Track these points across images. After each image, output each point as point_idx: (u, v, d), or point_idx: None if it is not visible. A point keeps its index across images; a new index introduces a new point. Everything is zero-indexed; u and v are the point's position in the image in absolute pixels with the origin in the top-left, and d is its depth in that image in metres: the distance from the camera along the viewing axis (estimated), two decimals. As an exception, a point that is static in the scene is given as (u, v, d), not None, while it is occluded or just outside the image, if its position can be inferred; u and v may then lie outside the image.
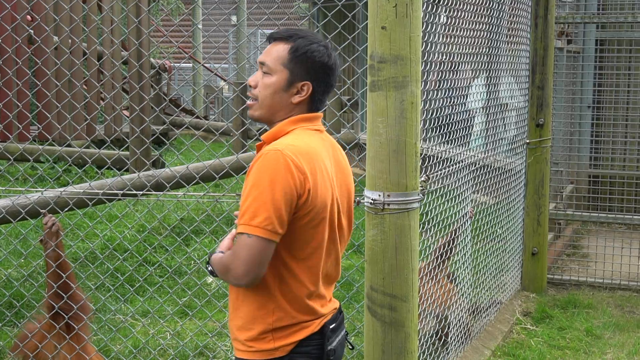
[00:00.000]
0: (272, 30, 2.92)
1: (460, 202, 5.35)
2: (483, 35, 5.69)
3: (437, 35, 4.61)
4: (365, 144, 3.28)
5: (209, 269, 2.82)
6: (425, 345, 4.75)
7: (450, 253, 5.36)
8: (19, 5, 7.38)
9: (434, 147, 4.74)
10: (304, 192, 2.64)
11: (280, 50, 2.80)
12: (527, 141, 6.80)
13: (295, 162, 2.63)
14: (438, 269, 5.26)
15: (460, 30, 5.13)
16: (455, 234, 5.37)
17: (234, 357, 2.87)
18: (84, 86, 9.04)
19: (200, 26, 17.32)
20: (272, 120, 2.84)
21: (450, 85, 5.04)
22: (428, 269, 5.09)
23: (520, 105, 6.69)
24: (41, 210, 4.58)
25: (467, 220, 5.50)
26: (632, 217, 7.78)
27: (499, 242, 6.32)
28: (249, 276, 2.63)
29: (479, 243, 5.90)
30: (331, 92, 2.92)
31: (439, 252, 5.29)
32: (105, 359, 4.50)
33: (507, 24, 6.25)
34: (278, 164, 2.61)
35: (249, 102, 2.88)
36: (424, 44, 4.16)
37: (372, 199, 3.19)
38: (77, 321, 4.27)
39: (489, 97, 5.97)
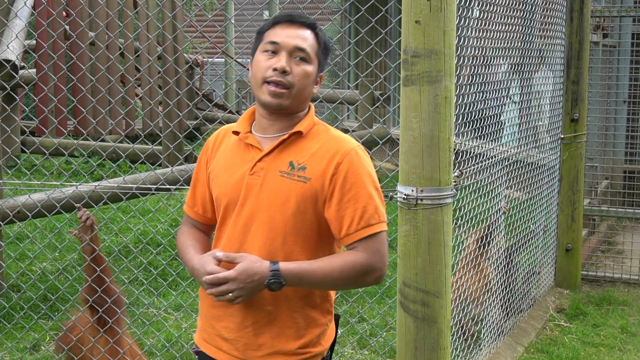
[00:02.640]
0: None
1: (493, 198, 5.32)
2: (516, 29, 5.64)
3: (470, 29, 4.58)
4: (398, 139, 3.27)
5: (283, 283, 2.53)
6: (458, 342, 4.72)
7: (486, 248, 5.33)
8: (55, 0, 7.44)
9: (467, 142, 4.71)
10: None
11: (311, 38, 2.66)
12: (562, 136, 6.74)
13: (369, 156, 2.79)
14: (474, 262, 5.23)
15: (493, 25, 5.09)
16: (489, 230, 5.34)
17: None
18: (121, 82, 9.10)
19: (233, 21, 17.37)
20: (293, 112, 2.69)
21: (483, 80, 5.01)
22: (462, 263, 5.07)
23: (555, 100, 6.63)
24: (76, 205, 4.62)
25: (500, 216, 5.46)
26: (668, 213, 7.68)
27: (533, 238, 6.27)
28: (387, 269, 2.67)
29: (512, 239, 5.86)
30: None
31: (473, 247, 5.27)
32: (141, 351, 4.53)
33: (541, 17, 6.19)
34: (370, 161, 2.71)
35: (277, 88, 2.61)
36: (458, 38, 4.13)
37: (405, 194, 3.17)
38: (112, 314, 4.31)
39: (523, 91, 5.92)
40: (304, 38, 2.63)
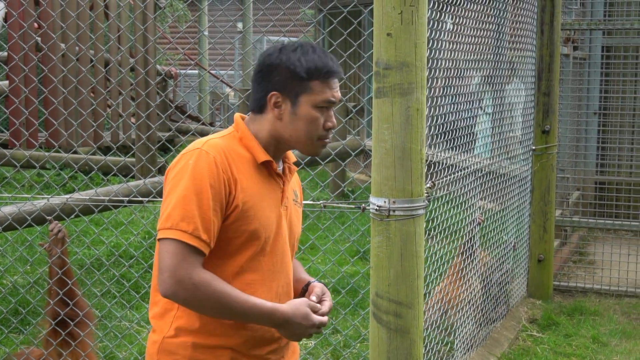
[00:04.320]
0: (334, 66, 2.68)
1: (466, 209, 5.34)
2: (488, 42, 5.68)
3: (442, 42, 4.61)
4: (370, 151, 3.28)
5: None
6: (431, 353, 4.73)
7: (467, 262, 5.35)
8: (26, 12, 7.41)
9: (439, 154, 4.73)
10: None
11: None
12: (533, 147, 6.79)
13: None
14: (457, 276, 5.26)
15: (464, 37, 5.12)
16: (468, 245, 5.37)
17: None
18: (91, 93, 9.07)
19: (206, 33, 17.35)
20: None
21: (456, 92, 5.04)
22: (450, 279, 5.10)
23: (527, 111, 6.68)
24: (47, 217, 4.59)
25: (475, 227, 5.48)
26: (638, 223, 7.76)
27: (505, 249, 6.30)
28: None
29: (485, 250, 5.88)
30: None
31: (458, 267, 5.30)
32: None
33: (511, 30, 6.25)
34: None
35: (327, 142, 2.71)
36: (429, 50, 4.16)
37: (377, 206, 3.18)
38: (82, 328, 4.28)
39: (495, 103, 5.96)
40: None
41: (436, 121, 4.58)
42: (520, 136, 6.57)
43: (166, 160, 10.62)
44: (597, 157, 8.74)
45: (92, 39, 8.00)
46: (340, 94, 2.68)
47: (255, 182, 2.60)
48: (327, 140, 2.67)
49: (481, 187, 5.61)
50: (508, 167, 6.25)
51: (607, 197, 8.42)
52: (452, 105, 4.99)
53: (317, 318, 2.60)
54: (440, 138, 4.78)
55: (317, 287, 2.74)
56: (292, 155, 2.80)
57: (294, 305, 2.59)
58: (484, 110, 5.87)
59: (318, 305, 2.64)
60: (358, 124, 12.59)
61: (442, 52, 4.62)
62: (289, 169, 2.74)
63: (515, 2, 6.23)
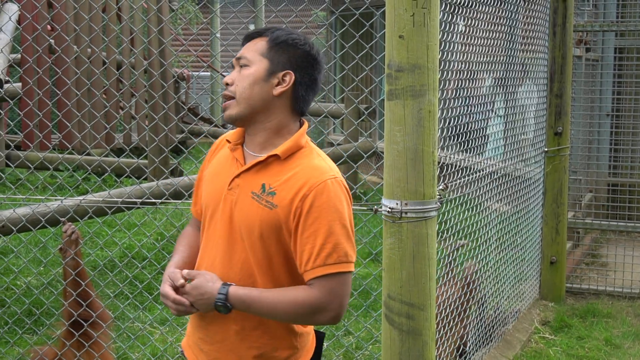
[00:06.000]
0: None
1: (479, 212, 5.33)
2: (500, 43, 5.68)
3: (454, 43, 4.61)
4: (382, 153, 3.29)
5: (230, 307, 2.53)
6: (444, 354, 4.73)
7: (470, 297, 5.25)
8: (39, 15, 7.45)
9: (451, 156, 4.73)
10: None
11: (258, 42, 2.62)
12: (546, 149, 6.78)
13: (348, 189, 2.63)
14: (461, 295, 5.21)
15: (476, 40, 5.12)
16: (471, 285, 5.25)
17: None
18: (104, 95, 9.11)
19: (218, 35, 17.39)
20: (250, 119, 2.60)
21: (468, 94, 5.04)
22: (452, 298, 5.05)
23: (539, 113, 6.67)
24: (61, 219, 4.61)
25: (456, 250, 5.29)
26: (651, 226, 7.73)
27: (518, 251, 6.29)
28: (344, 311, 2.58)
29: (498, 252, 5.87)
30: (317, 91, 2.70)
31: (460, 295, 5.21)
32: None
33: (522, 32, 6.24)
34: (345, 195, 2.57)
35: (225, 102, 2.62)
36: (441, 52, 4.16)
37: (389, 208, 3.19)
38: (96, 329, 4.30)
39: (507, 105, 5.96)
40: (248, 47, 2.63)
41: (448, 123, 4.59)
42: (533, 138, 6.56)
43: (178, 162, 10.65)
44: (610, 158, 8.71)
45: (105, 41, 8.04)
46: (241, 52, 2.65)
47: (220, 163, 2.75)
48: (226, 101, 2.62)
49: (493, 188, 5.61)
50: (520, 169, 6.24)
51: (619, 199, 8.39)
52: (464, 107, 4.99)
53: (163, 289, 2.59)
54: (452, 140, 4.78)
55: (197, 273, 2.60)
56: (281, 148, 2.59)
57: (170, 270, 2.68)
58: (496, 113, 5.86)
59: (185, 272, 2.59)
60: (370, 125, 12.59)
61: (454, 54, 4.62)
62: (261, 161, 2.60)
63: (527, 3, 6.22)
